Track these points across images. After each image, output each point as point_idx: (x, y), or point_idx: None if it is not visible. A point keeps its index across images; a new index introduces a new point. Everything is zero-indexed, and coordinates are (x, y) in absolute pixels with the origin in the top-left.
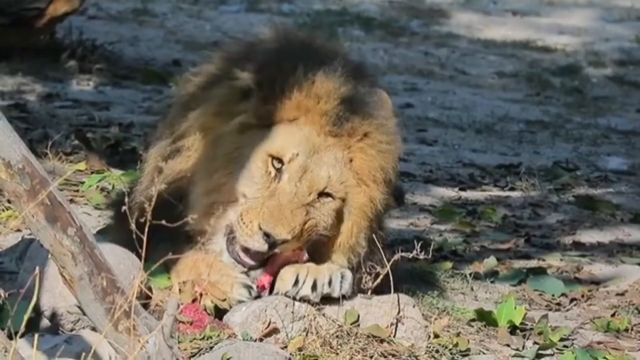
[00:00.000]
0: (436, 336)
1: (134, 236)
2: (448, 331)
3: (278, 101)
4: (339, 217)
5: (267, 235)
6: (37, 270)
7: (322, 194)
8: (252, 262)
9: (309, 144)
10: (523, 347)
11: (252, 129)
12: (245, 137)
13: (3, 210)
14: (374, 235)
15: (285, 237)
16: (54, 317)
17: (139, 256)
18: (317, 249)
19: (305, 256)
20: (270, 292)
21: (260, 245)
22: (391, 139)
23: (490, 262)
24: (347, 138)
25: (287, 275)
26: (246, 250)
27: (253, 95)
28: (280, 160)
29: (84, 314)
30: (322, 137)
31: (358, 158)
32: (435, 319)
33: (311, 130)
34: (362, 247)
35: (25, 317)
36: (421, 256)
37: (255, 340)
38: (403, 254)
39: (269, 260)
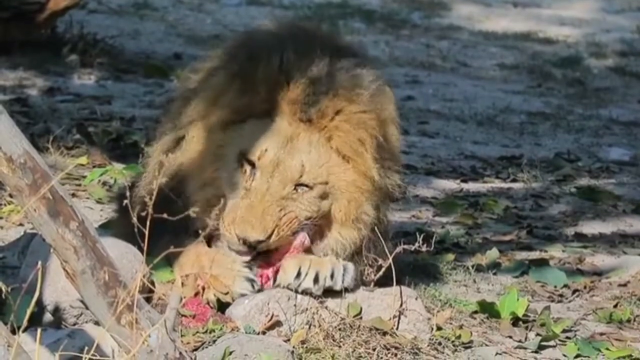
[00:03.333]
0: (439, 328)
1: (136, 230)
2: (451, 323)
3: (250, 94)
4: (326, 198)
5: (242, 239)
6: (39, 265)
7: (300, 183)
8: (248, 257)
9: (280, 136)
10: (526, 339)
11: (232, 125)
12: (226, 134)
13: (5, 205)
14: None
15: (258, 239)
16: (56, 311)
17: (141, 250)
18: (321, 231)
19: (307, 240)
20: (274, 283)
21: (241, 248)
22: (368, 108)
23: (493, 253)
24: (319, 120)
25: (289, 268)
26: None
27: (232, 89)
28: (251, 160)
29: (87, 308)
30: (294, 126)
31: (335, 136)
32: (438, 311)
33: (281, 120)
34: (369, 216)
35: (28, 312)
36: (423, 248)
37: (258, 334)
38: (405, 246)
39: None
